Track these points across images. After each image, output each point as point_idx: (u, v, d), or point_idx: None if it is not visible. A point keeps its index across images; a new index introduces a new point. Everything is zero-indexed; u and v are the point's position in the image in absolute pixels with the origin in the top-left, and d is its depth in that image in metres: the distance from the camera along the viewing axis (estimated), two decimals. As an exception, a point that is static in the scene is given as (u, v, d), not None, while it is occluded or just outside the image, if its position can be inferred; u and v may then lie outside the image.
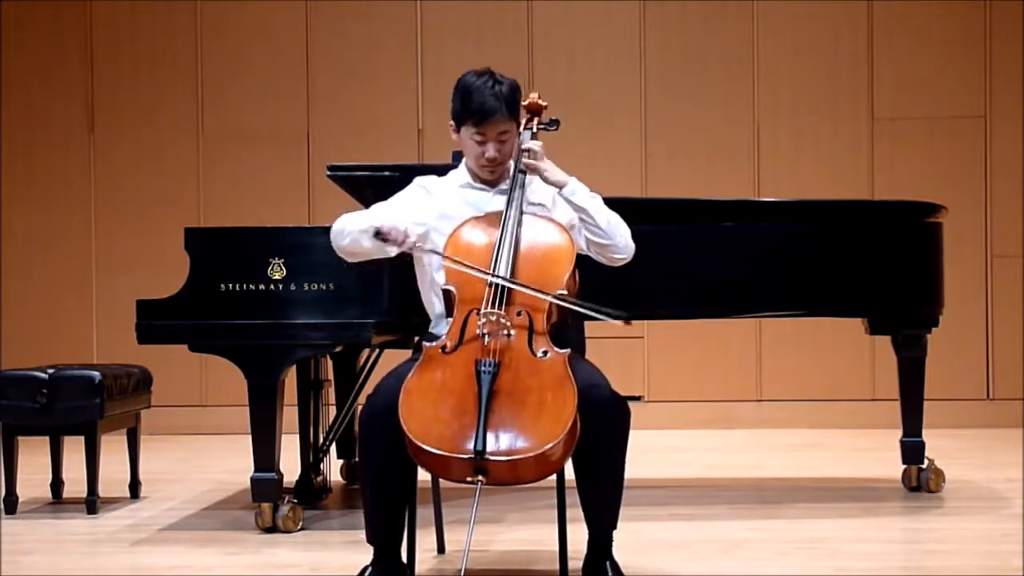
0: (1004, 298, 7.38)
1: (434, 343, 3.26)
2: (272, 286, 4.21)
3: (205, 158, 7.66)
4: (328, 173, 4.60)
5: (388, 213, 3.52)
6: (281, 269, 4.21)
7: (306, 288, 4.21)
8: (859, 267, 4.78)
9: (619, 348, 7.19)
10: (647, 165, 7.51)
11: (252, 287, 4.22)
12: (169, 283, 4.41)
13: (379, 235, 3.32)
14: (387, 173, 4.50)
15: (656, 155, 7.52)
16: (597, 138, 7.38)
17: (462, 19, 7.58)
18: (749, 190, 7.41)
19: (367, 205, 4.76)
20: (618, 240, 3.51)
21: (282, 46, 7.65)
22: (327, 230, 4.25)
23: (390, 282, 4.21)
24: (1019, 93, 7.36)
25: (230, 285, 4.23)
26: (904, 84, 7.44)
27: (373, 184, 4.58)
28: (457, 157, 4.44)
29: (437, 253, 3.38)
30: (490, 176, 3.54)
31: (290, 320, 4.20)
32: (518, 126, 3.54)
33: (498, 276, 3.26)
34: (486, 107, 3.42)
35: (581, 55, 7.55)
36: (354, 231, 3.44)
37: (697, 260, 4.70)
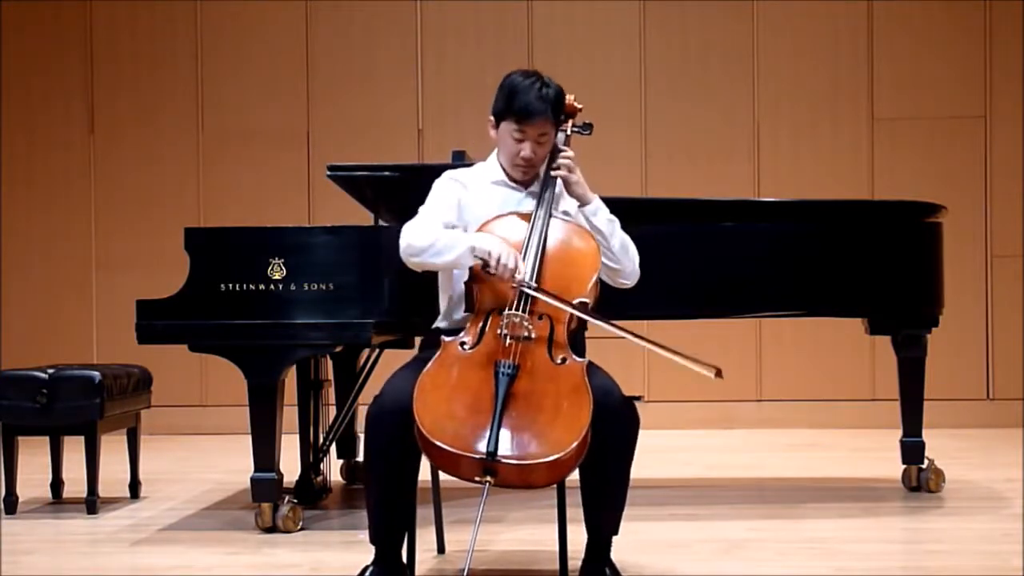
0: (1004, 298, 7.38)
1: (453, 339, 3.25)
2: (272, 286, 4.21)
3: (205, 158, 7.66)
4: (328, 173, 4.59)
5: (447, 214, 3.45)
6: (281, 269, 4.21)
7: (306, 288, 4.21)
8: (859, 267, 4.77)
9: (619, 348, 7.11)
10: (647, 165, 7.51)
11: (252, 287, 4.22)
12: (169, 283, 4.40)
13: (486, 268, 3.25)
14: (387, 173, 4.50)
15: (656, 155, 7.52)
16: (597, 138, 7.33)
17: (462, 19, 7.58)
18: (749, 190, 7.41)
19: (367, 205, 4.79)
20: (627, 265, 3.53)
21: (282, 46, 7.65)
22: (327, 230, 4.30)
23: (390, 282, 4.21)
24: (1019, 93, 7.37)
25: (230, 285, 4.23)
26: (904, 84, 7.44)
27: (373, 184, 4.59)
28: (457, 157, 4.45)
29: (528, 286, 3.23)
30: (523, 176, 3.52)
31: (290, 320, 4.20)
32: (556, 131, 3.52)
33: (544, 292, 3.22)
34: (532, 107, 3.41)
35: (581, 55, 7.55)
36: (455, 250, 3.31)
37: (697, 260, 4.70)
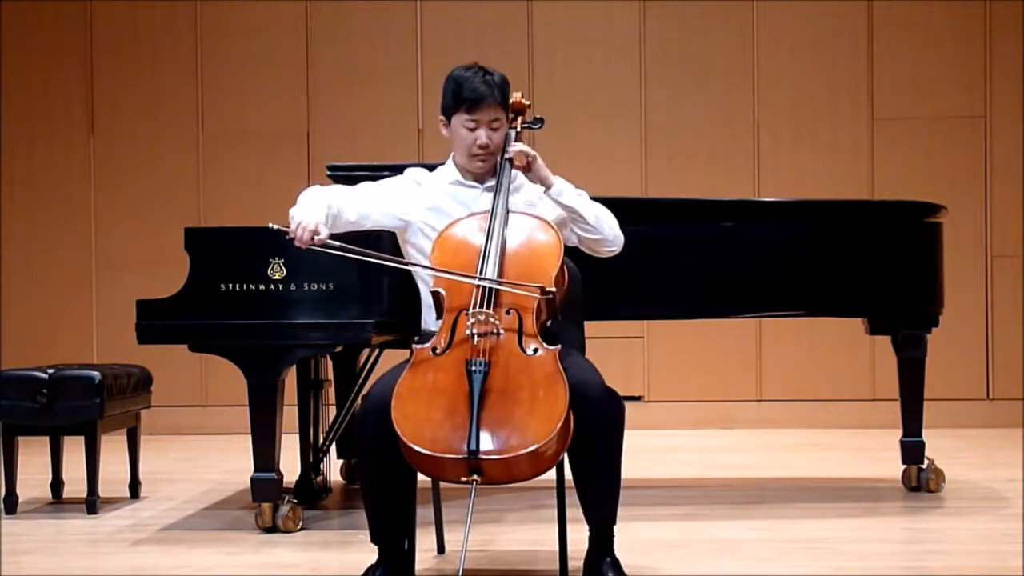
0: (1004, 298, 7.38)
1: (424, 345, 3.26)
2: (272, 286, 4.21)
3: (205, 158, 7.66)
4: (328, 173, 4.60)
5: (351, 194, 3.61)
6: (281, 269, 4.21)
7: (306, 288, 4.21)
8: (859, 267, 4.78)
9: (619, 348, 7.19)
10: (647, 165, 7.51)
11: (252, 287, 4.22)
12: (169, 283, 4.41)
13: (281, 232, 3.37)
14: (387, 173, 4.48)
15: (656, 155, 7.51)
16: (597, 138, 7.37)
17: (462, 19, 7.58)
18: (749, 190, 7.41)
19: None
20: (607, 233, 3.54)
21: (282, 46, 7.65)
22: (327, 230, 4.30)
23: (390, 282, 4.21)
24: (1019, 93, 7.36)
25: (230, 285, 4.23)
26: (904, 84, 7.44)
27: (373, 184, 4.58)
28: (457, 157, 4.45)
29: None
30: (480, 166, 3.55)
31: (290, 320, 4.20)
32: (507, 118, 3.56)
33: (499, 282, 3.25)
34: (478, 92, 3.48)
35: (581, 55, 7.55)
36: (292, 210, 3.49)
37: (697, 260, 4.70)
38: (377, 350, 4.96)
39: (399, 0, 7.61)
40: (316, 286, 4.21)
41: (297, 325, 4.20)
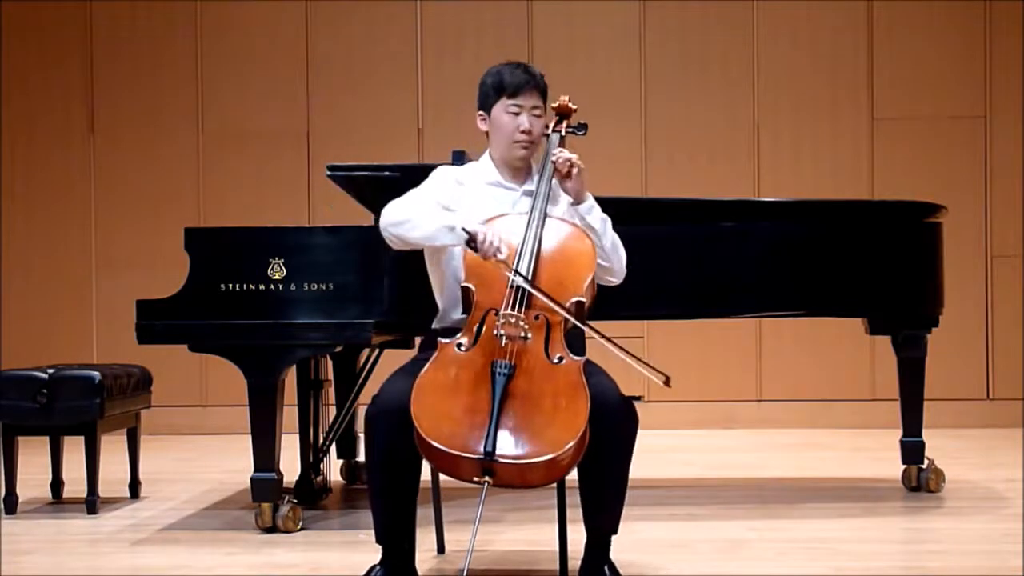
0: (1004, 298, 7.38)
1: (450, 340, 3.25)
2: (272, 286, 4.21)
3: (205, 158, 7.66)
4: (328, 173, 4.59)
5: (433, 200, 3.48)
6: (281, 269, 4.21)
7: (306, 288, 4.21)
8: (859, 267, 4.77)
9: (619, 348, 7.18)
10: (647, 165, 7.51)
11: (252, 287, 4.22)
12: (169, 283, 4.41)
13: (471, 242, 3.23)
14: (387, 173, 4.50)
15: (656, 155, 7.52)
16: (597, 138, 7.34)
17: (462, 19, 7.58)
18: (749, 190, 7.41)
19: (368, 205, 4.78)
20: (615, 263, 3.54)
21: (282, 46, 7.65)
22: (327, 230, 4.30)
23: (390, 282, 4.21)
24: (1019, 93, 7.37)
25: (230, 285, 4.23)
26: (904, 84, 7.44)
27: (373, 184, 4.58)
28: (457, 157, 4.45)
29: (521, 276, 3.24)
30: (523, 154, 3.53)
31: (290, 320, 4.20)
32: (546, 109, 3.56)
33: (536, 288, 3.23)
34: (521, 79, 3.50)
35: (581, 56, 7.55)
36: (431, 225, 3.32)
37: (697, 260, 4.70)
38: (377, 350, 4.96)
39: (399, 0, 7.61)
40: (316, 286, 4.21)
41: (297, 325, 4.20)
